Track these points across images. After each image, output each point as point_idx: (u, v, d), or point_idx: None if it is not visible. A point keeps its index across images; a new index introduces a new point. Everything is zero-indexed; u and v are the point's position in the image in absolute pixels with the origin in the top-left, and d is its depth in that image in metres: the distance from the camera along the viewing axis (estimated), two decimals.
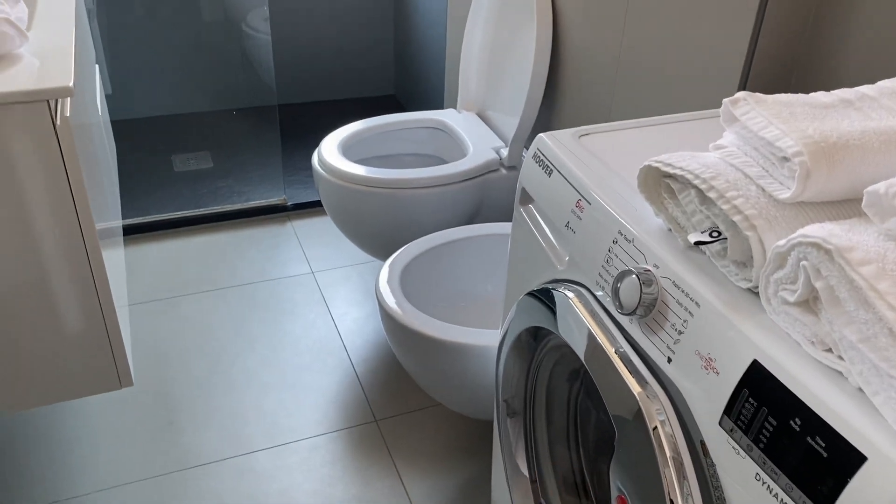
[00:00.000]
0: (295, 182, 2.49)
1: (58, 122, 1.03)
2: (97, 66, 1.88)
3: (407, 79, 2.96)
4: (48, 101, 1.01)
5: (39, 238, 1.10)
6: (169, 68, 2.73)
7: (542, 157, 0.96)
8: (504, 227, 1.58)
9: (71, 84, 1.00)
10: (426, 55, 2.69)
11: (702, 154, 0.77)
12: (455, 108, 2.03)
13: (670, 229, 0.77)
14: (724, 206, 0.68)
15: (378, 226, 1.75)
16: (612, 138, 0.98)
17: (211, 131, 2.80)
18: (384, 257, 1.84)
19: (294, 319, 1.94)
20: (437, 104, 2.62)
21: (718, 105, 1.20)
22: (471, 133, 1.88)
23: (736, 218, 0.67)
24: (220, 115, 2.86)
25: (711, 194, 0.70)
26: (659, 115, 1.35)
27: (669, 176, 0.76)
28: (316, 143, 2.77)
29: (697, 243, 0.70)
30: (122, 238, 1.94)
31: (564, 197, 0.90)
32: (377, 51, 3.04)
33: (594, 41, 1.53)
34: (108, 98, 2.11)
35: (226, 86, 2.84)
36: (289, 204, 2.38)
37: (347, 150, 1.86)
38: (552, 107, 1.74)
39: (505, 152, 1.78)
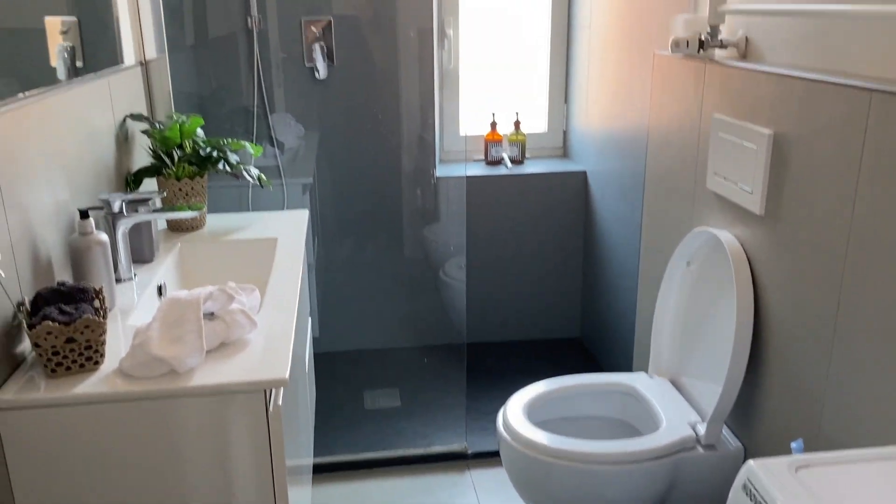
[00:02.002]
0: (476, 428, 2.48)
1: (270, 409, 1.10)
2: (310, 318, 2.06)
3: (593, 325, 2.96)
4: (265, 390, 1.10)
5: (234, 483, 1.14)
6: (369, 306, 2.94)
7: (752, 491, 0.87)
8: None
9: (286, 376, 1.09)
10: (614, 304, 2.69)
11: None
12: (646, 371, 1.97)
13: None
14: None
15: (560, 499, 1.66)
16: (835, 475, 0.87)
17: (401, 367, 2.91)
18: None
19: None
20: (624, 353, 2.57)
21: None
22: (664, 403, 1.79)
23: None
24: (410, 352, 2.99)
25: None
26: (884, 412, 1.21)
27: None
28: (500, 386, 2.80)
29: None
30: (310, 476, 1.99)
31: None
32: (565, 295, 3.09)
33: (802, 314, 1.44)
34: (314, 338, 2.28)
35: (418, 324, 2.99)
36: (469, 452, 2.35)
37: (533, 410, 1.83)
38: (754, 382, 1.63)
39: (702, 429, 1.66)
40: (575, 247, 3.05)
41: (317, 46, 2.59)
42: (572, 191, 2.97)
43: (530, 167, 3.01)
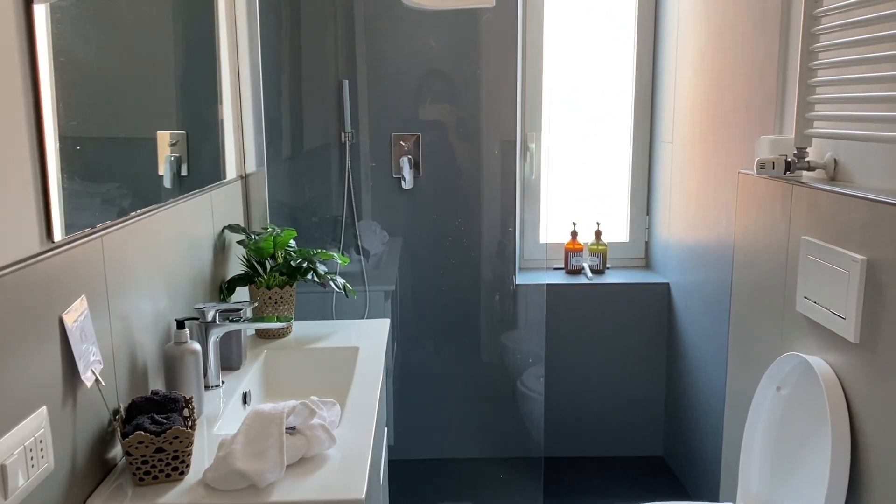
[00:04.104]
0: None
1: None
2: (386, 428, 2.06)
3: (677, 444, 2.84)
4: None
5: None
6: (445, 414, 2.92)
7: None
8: None
9: (362, 497, 1.09)
10: (700, 423, 2.58)
11: None
12: (734, 500, 1.86)
13: None
14: None
15: None
16: None
17: (475, 479, 2.85)
18: None
19: None
20: (710, 476, 2.44)
21: None
22: None
23: None
24: (486, 463, 2.93)
25: None
26: None
27: None
28: None
29: None
30: None
31: None
32: (647, 411, 3.00)
33: None
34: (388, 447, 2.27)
35: (495, 434, 2.94)
36: None
37: None
38: None
39: None
40: (658, 360, 2.97)
41: (405, 159, 2.70)
42: (655, 302, 2.93)
43: (611, 277, 2.99)
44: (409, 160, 2.72)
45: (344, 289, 1.90)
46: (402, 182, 2.72)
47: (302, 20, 2.63)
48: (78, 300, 1.09)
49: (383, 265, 2.76)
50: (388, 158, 2.72)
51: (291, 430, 1.20)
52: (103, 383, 1.14)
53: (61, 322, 1.04)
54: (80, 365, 1.07)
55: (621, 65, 3.03)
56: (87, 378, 1.09)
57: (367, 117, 2.69)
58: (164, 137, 1.54)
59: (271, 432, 1.15)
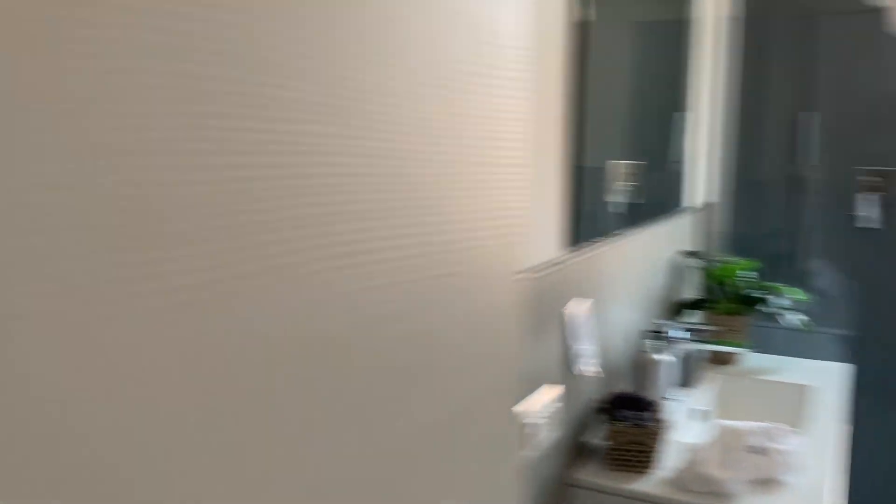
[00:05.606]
0: None
1: None
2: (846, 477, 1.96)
3: None
4: None
5: None
6: None
7: None
8: None
9: None
10: None
11: None
12: None
13: None
14: None
15: None
16: None
17: None
18: None
19: None
20: None
21: None
22: None
23: None
24: None
25: None
26: None
27: None
28: None
29: None
30: None
31: None
32: None
33: None
34: None
35: None
36: None
37: None
38: None
39: None
40: None
41: (869, 196, 2.52)
42: None
43: None
44: (876, 198, 2.52)
45: (802, 324, 1.88)
46: (866, 221, 2.53)
47: (760, 52, 2.63)
48: (581, 300, 1.31)
49: (836, 307, 2.59)
50: (849, 195, 2.56)
51: (755, 449, 1.26)
52: (599, 373, 1.35)
53: (566, 315, 1.27)
54: (581, 356, 1.29)
55: None
56: (585, 369, 1.30)
57: (828, 151, 2.57)
58: (634, 168, 1.72)
59: (736, 447, 1.23)
